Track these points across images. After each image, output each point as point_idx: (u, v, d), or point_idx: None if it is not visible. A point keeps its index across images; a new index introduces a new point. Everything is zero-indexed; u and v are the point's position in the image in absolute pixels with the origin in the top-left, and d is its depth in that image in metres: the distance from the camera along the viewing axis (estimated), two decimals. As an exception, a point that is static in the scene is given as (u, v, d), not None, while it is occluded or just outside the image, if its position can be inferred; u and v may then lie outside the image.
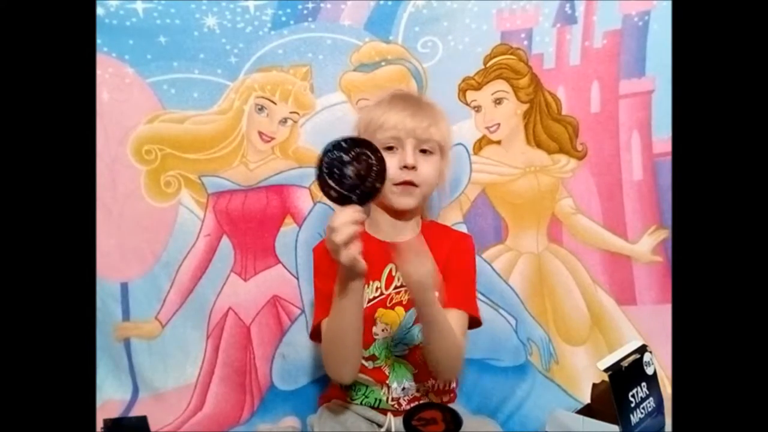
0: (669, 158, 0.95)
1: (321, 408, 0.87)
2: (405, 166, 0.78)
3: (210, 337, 1.04)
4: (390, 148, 0.79)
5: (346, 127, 1.00)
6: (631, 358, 0.74)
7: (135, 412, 1.00)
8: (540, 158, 1.00)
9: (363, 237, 0.69)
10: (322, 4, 0.99)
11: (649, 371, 0.75)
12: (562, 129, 0.99)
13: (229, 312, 1.04)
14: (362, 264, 0.67)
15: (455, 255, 0.83)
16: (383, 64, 1.00)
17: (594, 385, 0.86)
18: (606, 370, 0.70)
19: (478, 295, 0.90)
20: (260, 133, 1.02)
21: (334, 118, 1.01)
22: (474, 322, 0.84)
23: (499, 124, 1.00)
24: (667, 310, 0.96)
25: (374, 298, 0.83)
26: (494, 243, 1.01)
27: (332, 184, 0.63)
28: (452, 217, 1.01)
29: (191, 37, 0.99)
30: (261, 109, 1.02)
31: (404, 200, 0.80)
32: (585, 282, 1.01)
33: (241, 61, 1.00)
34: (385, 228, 0.83)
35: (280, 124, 1.02)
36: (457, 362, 0.79)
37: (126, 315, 1.04)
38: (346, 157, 0.62)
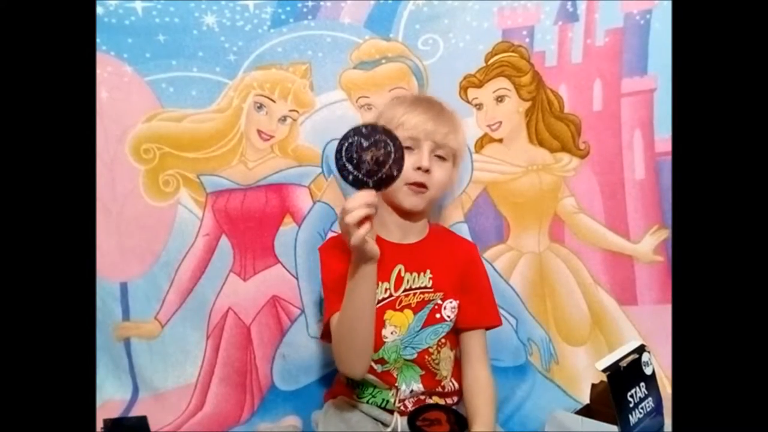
0: (671, 157, 0.94)
1: (326, 404, 0.87)
2: (419, 168, 0.78)
3: (210, 337, 1.04)
4: (407, 148, 0.78)
5: (345, 126, 0.99)
6: (629, 359, 0.74)
7: (135, 412, 1.00)
8: (542, 156, 1.00)
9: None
10: (321, 2, 0.98)
11: (648, 371, 0.75)
12: (564, 127, 0.99)
13: (228, 312, 1.04)
14: (373, 246, 0.67)
15: (471, 270, 0.85)
16: (383, 61, 0.99)
17: (593, 385, 0.86)
18: (604, 371, 0.71)
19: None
20: (259, 132, 1.02)
21: (333, 116, 1.00)
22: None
23: (500, 122, 1.00)
24: (667, 310, 0.96)
25: (383, 299, 0.82)
26: (496, 243, 1.01)
27: (350, 168, 0.64)
28: (453, 216, 1.01)
29: (190, 35, 0.99)
30: (260, 107, 1.01)
31: (413, 200, 0.80)
32: (586, 282, 1.01)
33: (240, 59, 1.00)
34: (394, 229, 0.84)
35: (280, 123, 1.02)
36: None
37: (126, 315, 1.04)
38: (365, 143, 0.63)
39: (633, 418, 0.71)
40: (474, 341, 0.84)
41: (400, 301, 0.82)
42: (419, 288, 0.83)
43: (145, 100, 1.01)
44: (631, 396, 0.72)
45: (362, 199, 0.65)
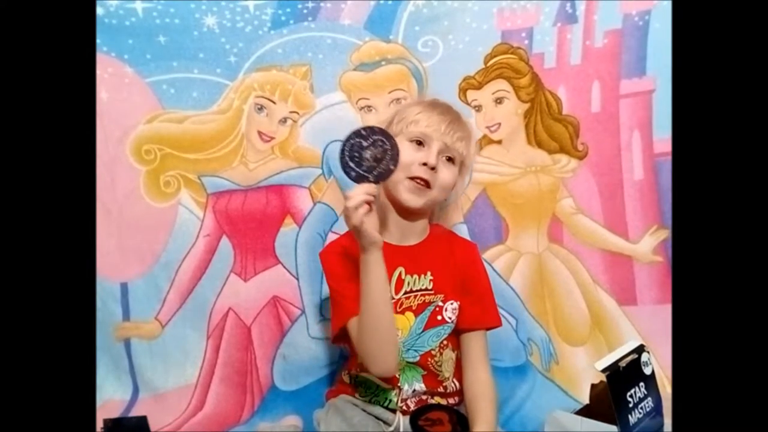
0: (670, 158, 0.95)
1: (328, 403, 0.87)
2: (425, 164, 0.79)
3: (210, 337, 1.04)
4: (419, 143, 0.81)
5: (346, 127, 1.00)
6: (628, 359, 0.74)
7: (135, 412, 1.00)
8: (541, 158, 1.00)
9: None
10: (322, 4, 0.99)
11: (647, 371, 0.75)
12: (562, 129, 0.99)
13: (229, 312, 1.04)
14: (372, 229, 0.72)
15: (471, 270, 0.85)
16: (383, 63, 0.99)
17: (592, 385, 0.86)
18: (604, 371, 0.71)
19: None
20: (260, 133, 1.02)
21: (334, 118, 1.01)
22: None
23: (499, 124, 1.00)
24: (667, 310, 0.96)
25: None
26: (495, 243, 1.01)
27: (352, 165, 0.72)
28: (453, 218, 1.01)
29: (191, 36, 0.99)
30: (260, 108, 1.02)
31: (413, 197, 0.80)
32: (585, 282, 1.01)
33: (240, 60, 1.00)
34: (393, 231, 0.84)
35: (280, 124, 1.02)
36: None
37: (126, 315, 1.04)
38: (364, 143, 0.72)
39: (632, 418, 0.71)
40: (474, 342, 0.84)
41: (401, 304, 0.82)
42: (420, 290, 0.83)
43: (145, 101, 1.01)
44: (631, 396, 0.72)
45: (362, 189, 0.72)
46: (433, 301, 0.83)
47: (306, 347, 1.02)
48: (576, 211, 1.00)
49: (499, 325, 0.87)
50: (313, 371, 1.02)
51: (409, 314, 0.82)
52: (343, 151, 0.72)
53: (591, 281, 1.01)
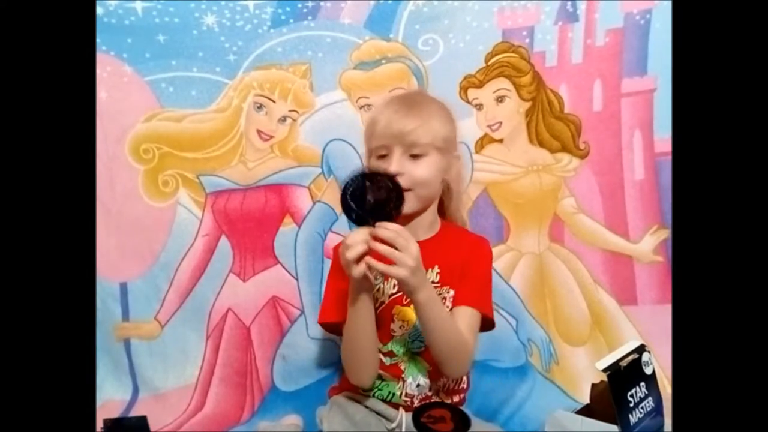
0: (670, 158, 0.94)
1: (330, 400, 0.87)
2: None
3: (210, 337, 1.03)
4: (383, 156, 0.80)
5: (345, 126, 1.00)
6: (629, 358, 0.74)
7: (135, 412, 1.00)
8: (542, 157, 1.00)
9: None
10: (321, 3, 0.98)
11: (648, 371, 0.75)
12: (564, 127, 0.99)
13: (228, 313, 1.03)
14: (371, 279, 0.73)
15: (473, 259, 0.84)
16: (383, 62, 0.99)
17: (593, 385, 0.86)
18: (604, 370, 0.71)
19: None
20: (259, 132, 1.02)
21: (333, 116, 1.00)
22: (487, 324, 0.85)
23: (501, 123, 1.00)
24: (667, 310, 0.96)
25: (392, 294, 0.83)
26: (496, 243, 1.01)
27: (355, 208, 0.71)
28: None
29: (190, 35, 0.99)
30: (260, 107, 1.01)
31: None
32: (586, 282, 1.01)
33: (240, 59, 1.00)
34: None
35: (279, 123, 1.02)
36: (462, 359, 0.80)
37: (126, 315, 1.04)
38: (366, 184, 0.71)
39: (633, 418, 0.71)
40: (458, 316, 0.80)
41: (407, 297, 0.82)
42: None
43: (144, 100, 1.01)
44: (631, 396, 0.72)
45: (361, 236, 0.70)
46: (440, 294, 0.82)
47: (305, 348, 1.02)
48: (577, 211, 1.00)
49: (491, 315, 0.84)
50: (312, 372, 1.02)
51: None
52: (345, 192, 0.71)
53: (591, 281, 1.01)
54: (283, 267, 1.03)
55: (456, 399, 0.85)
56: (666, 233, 0.99)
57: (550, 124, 0.99)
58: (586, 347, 1.01)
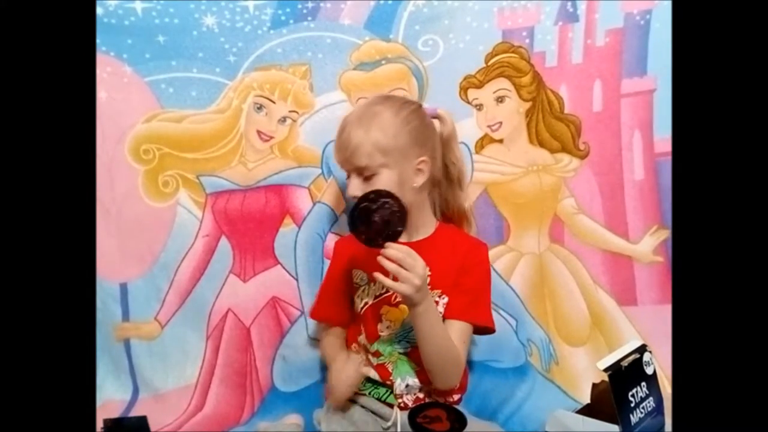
0: (670, 158, 0.94)
1: (327, 403, 0.87)
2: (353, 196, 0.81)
3: (210, 338, 1.03)
4: (348, 177, 0.83)
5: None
6: (630, 358, 0.74)
7: (135, 413, 1.00)
8: (542, 157, 1.00)
9: None
10: (321, 4, 0.98)
11: (649, 371, 0.75)
12: (564, 127, 0.99)
13: (228, 313, 1.03)
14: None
15: (468, 265, 0.84)
16: (383, 62, 0.99)
17: (594, 384, 0.86)
18: (606, 370, 0.71)
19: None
20: (259, 133, 1.02)
21: (333, 117, 1.00)
22: (485, 329, 0.86)
23: (501, 123, 1.00)
24: (667, 310, 0.96)
25: (380, 295, 0.85)
26: (496, 244, 1.01)
27: (363, 229, 0.75)
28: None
29: (190, 36, 0.99)
30: (260, 108, 1.01)
31: None
32: (586, 282, 1.01)
33: (240, 60, 0.99)
34: None
35: (279, 123, 1.02)
36: (453, 372, 0.82)
37: (126, 315, 1.03)
38: (373, 206, 0.75)
39: (634, 418, 0.71)
40: (452, 330, 0.81)
41: (396, 297, 0.83)
42: None
43: (144, 100, 1.01)
44: (632, 395, 0.72)
45: (351, 382, 0.79)
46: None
47: (305, 348, 1.02)
48: (577, 211, 1.00)
49: (489, 323, 0.85)
50: (312, 372, 1.02)
51: (403, 307, 0.83)
52: (352, 215, 0.75)
53: (591, 282, 1.01)
54: (283, 267, 1.03)
55: (450, 400, 0.86)
56: (665, 234, 0.99)
57: (550, 125, 0.99)
58: (585, 348, 1.01)
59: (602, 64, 0.97)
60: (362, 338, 0.87)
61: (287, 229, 1.02)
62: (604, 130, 0.99)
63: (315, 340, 1.02)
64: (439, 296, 0.83)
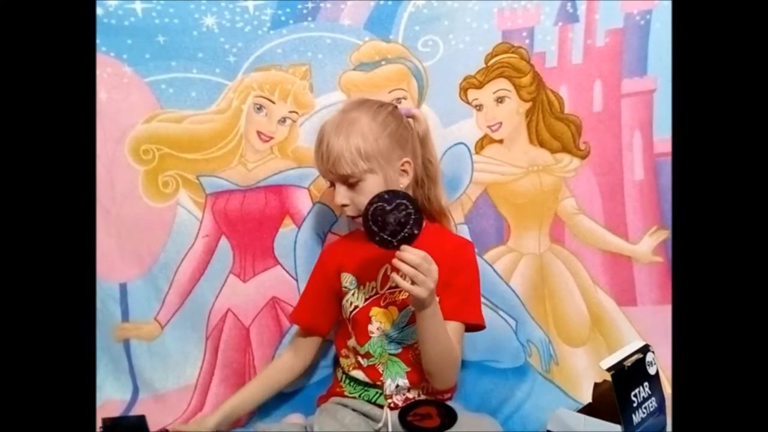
0: (670, 158, 0.94)
1: (319, 408, 0.88)
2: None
3: (209, 338, 1.03)
4: (332, 185, 0.84)
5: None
6: (633, 358, 0.74)
7: (135, 413, 0.99)
8: (543, 157, 1.00)
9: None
10: (321, 4, 0.98)
11: (652, 371, 0.75)
12: (564, 128, 0.99)
13: (228, 313, 1.03)
14: None
15: (456, 266, 0.85)
16: (383, 63, 0.99)
17: (596, 384, 0.86)
18: (609, 370, 0.71)
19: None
20: (259, 133, 1.02)
21: (333, 118, 1.00)
22: (475, 326, 0.86)
23: (501, 123, 1.00)
24: (667, 310, 0.96)
25: (370, 297, 0.85)
26: (496, 244, 1.01)
27: (376, 230, 0.73)
28: (454, 218, 1.01)
29: (190, 36, 0.99)
30: (260, 108, 1.01)
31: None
32: (585, 283, 1.01)
33: (239, 60, 0.99)
34: None
35: (279, 124, 1.02)
36: (452, 372, 0.83)
37: (125, 316, 1.03)
38: (388, 207, 0.73)
39: (636, 418, 0.71)
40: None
41: (385, 299, 0.84)
42: None
43: (144, 101, 1.00)
44: (635, 395, 0.72)
45: None
46: None
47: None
48: (578, 212, 1.00)
49: (480, 321, 0.85)
50: (313, 372, 1.02)
51: (393, 308, 0.84)
52: (366, 215, 0.73)
53: (591, 282, 1.01)
54: (283, 268, 1.02)
55: (440, 398, 0.86)
56: (665, 234, 0.99)
57: (551, 125, 0.99)
58: (585, 348, 1.01)
59: (602, 65, 0.97)
60: (352, 341, 0.87)
61: (287, 229, 1.02)
62: (604, 130, 0.99)
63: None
64: None
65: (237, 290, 1.03)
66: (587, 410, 0.83)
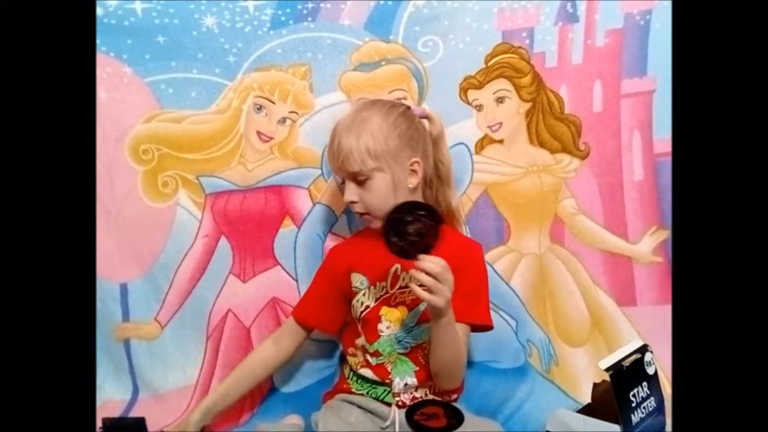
0: (670, 159, 0.95)
1: (324, 405, 0.88)
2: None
3: (210, 338, 1.03)
4: (343, 182, 0.85)
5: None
6: (632, 358, 0.74)
7: (135, 413, 1.00)
8: (543, 157, 1.00)
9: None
10: (321, 4, 0.98)
11: (650, 371, 0.75)
12: (564, 128, 0.99)
13: (228, 314, 1.03)
14: None
15: (464, 268, 0.85)
16: (383, 63, 0.99)
17: (595, 384, 0.86)
18: (607, 370, 0.71)
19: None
20: (259, 133, 1.02)
21: (333, 118, 0.99)
22: (483, 327, 0.87)
23: (501, 123, 1.00)
24: (667, 310, 0.96)
25: (380, 296, 0.86)
26: (496, 245, 1.01)
27: (396, 240, 0.74)
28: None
29: (190, 36, 0.99)
30: (259, 108, 1.01)
31: (372, 224, 0.85)
32: (585, 283, 1.01)
33: (239, 60, 0.99)
34: None
35: (279, 124, 1.02)
36: (459, 375, 0.85)
37: (126, 316, 1.03)
38: (408, 218, 0.74)
39: (635, 418, 0.71)
40: None
41: (395, 298, 0.85)
42: None
43: (144, 101, 1.00)
44: (634, 395, 0.72)
45: None
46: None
47: (305, 349, 1.01)
48: (578, 212, 1.00)
49: (489, 323, 0.86)
50: (312, 373, 1.02)
51: (402, 308, 0.85)
52: (387, 225, 0.74)
53: (591, 282, 1.01)
54: (283, 268, 1.02)
55: (447, 399, 0.86)
56: (665, 234, 0.99)
57: (551, 125, 0.99)
58: (585, 348, 1.01)
59: (602, 65, 0.97)
60: (361, 340, 0.87)
61: (287, 229, 1.02)
62: (604, 130, 0.99)
63: (315, 341, 1.02)
64: None
65: (237, 290, 1.03)
66: (586, 410, 0.83)
